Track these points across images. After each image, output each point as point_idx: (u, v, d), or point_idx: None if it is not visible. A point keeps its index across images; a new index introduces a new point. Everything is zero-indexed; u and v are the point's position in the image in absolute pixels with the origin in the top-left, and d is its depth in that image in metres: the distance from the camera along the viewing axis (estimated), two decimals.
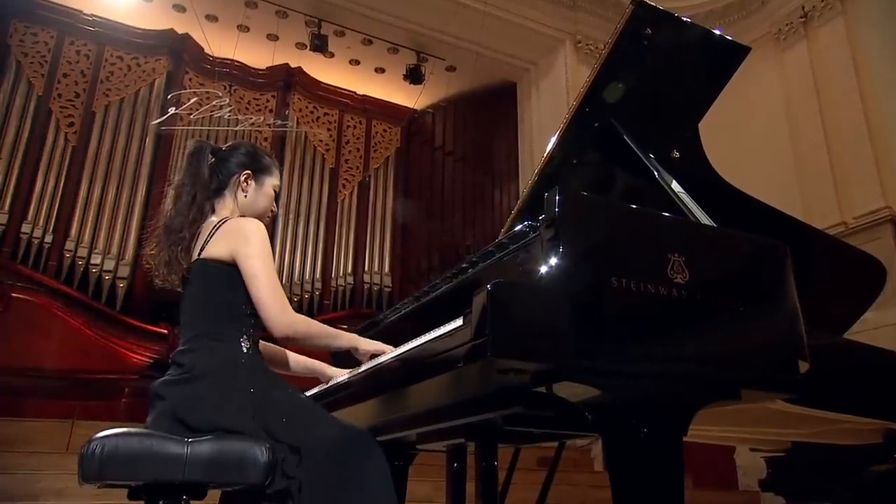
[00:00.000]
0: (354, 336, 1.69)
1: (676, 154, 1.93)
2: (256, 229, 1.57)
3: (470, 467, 1.84)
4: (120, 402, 5.31)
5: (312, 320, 1.63)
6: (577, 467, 4.83)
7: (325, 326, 1.65)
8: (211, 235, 1.59)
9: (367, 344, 1.65)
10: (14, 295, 5.45)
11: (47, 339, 5.42)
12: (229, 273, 1.55)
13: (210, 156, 1.72)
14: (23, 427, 4.32)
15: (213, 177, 1.70)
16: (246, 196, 1.71)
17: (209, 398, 1.44)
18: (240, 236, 1.56)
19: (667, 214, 1.44)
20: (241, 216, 1.69)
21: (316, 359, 1.91)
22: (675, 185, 1.75)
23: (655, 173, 1.77)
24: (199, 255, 1.59)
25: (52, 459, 3.73)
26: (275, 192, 1.77)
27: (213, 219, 1.66)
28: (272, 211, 1.79)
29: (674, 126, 1.95)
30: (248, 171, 1.72)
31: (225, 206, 1.70)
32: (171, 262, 1.61)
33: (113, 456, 1.25)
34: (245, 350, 1.54)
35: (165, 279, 1.64)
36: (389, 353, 1.54)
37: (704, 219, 1.60)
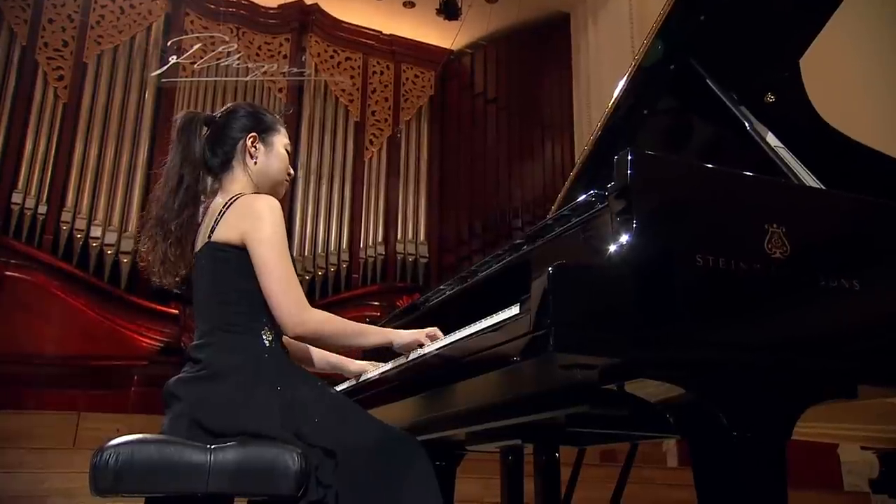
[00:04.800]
0: (386, 330, 1.69)
1: (771, 98, 1.87)
2: (270, 209, 1.58)
3: (527, 463, 1.86)
4: (129, 392, 5.50)
5: (333, 316, 1.63)
6: (647, 463, 4.83)
7: (348, 322, 1.66)
8: (221, 215, 1.60)
9: (403, 337, 1.63)
10: (8, 273, 5.66)
11: (46, 323, 5.63)
12: (241, 258, 1.56)
13: (203, 127, 1.72)
14: (24, 420, 4.51)
15: (213, 151, 1.70)
16: (256, 162, 1.71)
17: (230, 398, 1.47)
18: (251, 217, 1.57)
19: (762, 176, 1.39)
20: (255, 189, 1.70)
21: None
22: (770, 138, 1.69)
23: (746, 124, 1.72)
24: (209, 238, 1.60)
25: (59, 456, 3.89)
26: (287, 151, 1.77)
27: (219, 199, 1.66)
28: (289, 174, 1.80)
29: (768, 64, 1.89)
30: (254, 134, 1.72)
31: (235, 179, 1.70)
32: (165, 260, 1.63)
33: (129, 466, 1.29)
34: (267, 343, 1.55)
35: (162, 278, 1.65)
36: (432, 344, 1.54)
37: (809, 179, 1.55)
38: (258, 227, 1.55)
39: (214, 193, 1.70)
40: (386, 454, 1.41)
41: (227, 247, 1.57)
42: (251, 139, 1.71)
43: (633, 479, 2.23)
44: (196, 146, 1.68)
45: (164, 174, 1.70)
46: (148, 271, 1.68)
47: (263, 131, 1.74)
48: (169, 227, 1.62)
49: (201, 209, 1.69)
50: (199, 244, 1.64)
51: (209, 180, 1.70)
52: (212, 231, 1.60)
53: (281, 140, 1.76)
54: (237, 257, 1.56)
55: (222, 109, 1.79)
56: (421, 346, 1.60)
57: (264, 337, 1.56)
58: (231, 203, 1.61)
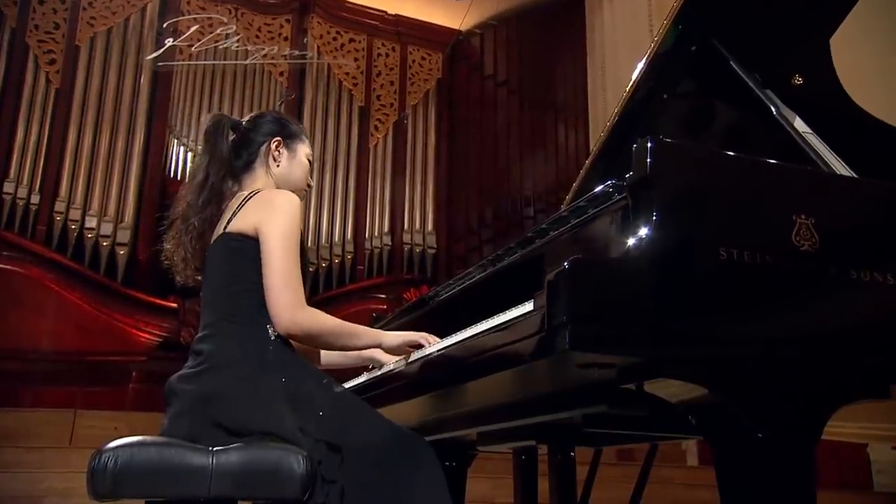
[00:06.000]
0: (377, 331, 1.74)
1: (799, 80, 1.85)
2: (288, 204, 1.63)
3: (541, 462, 1.86)
4: (127, 388, 5.54)
5: (327, 316, 1.66)
6: (666, 462, 4.84)
7: (340, 322, 1.69)
8: (240, 207, 1.65)
9: (392, 338, 1.68)
10: (0, 266, 5.69)
11: (41, 317, 5.67)
12: (255, 249, 1.60)
13: (230, 131, 1.79)
14: (20, 418, 4.56)
15: (237, 153, 1.78)
16: (279, 165, 1.79)
17: (234, 389, 1.49)
18: (268, 208, 1.62)
19: (789, 164, 1.38)
20: (276, 188, 1.76)
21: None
22: (798, 123, 1.67)
23: (772, 108, 1.70)
24: (224, 229, 1.65)
25: (55, 455, 3.94)
26: (309, 161, 1.85)
27: (240, 194, 1.72)
28: (309, 185, 1.88)
29: (796, 44, 1.86)
30: (278, 139, 1.80)
31: (256, 179, 1.78)
32: (187, 258, 1.70)
33: (128, 470, 1.30)
34: (272, 336, 1.58)
35: (186, 276, 1.74)
36: (439, 342, 1.54)
37: (840, 167, 1.53)
38: (272, 219, 1.60)
39: (233, 195, 1.75)
40: (393, 453, 1.43)
41: (241, 237, 1.62)
42: (275, 143, 1.79)
43: (651, 479, 2.23)
44: (223, 148, 1.75)
45: (190, 174, 1.81)
46: (172, 270, 1.76)
47: (288, 137, 1.82)
48: (192, 222, 1.69)
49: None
50: (213, 238, 1.69)
51: (230, 183, 1.77)
52: (228, 223, 1.65)
53: (304, 149, 1.85)
54: (251, 248, 1.60)
55: (250, 116, 1.88)
56: (411, 347, 1.64)
57: (270, 329, 1.58)
58: (251, 196, 1.66)
